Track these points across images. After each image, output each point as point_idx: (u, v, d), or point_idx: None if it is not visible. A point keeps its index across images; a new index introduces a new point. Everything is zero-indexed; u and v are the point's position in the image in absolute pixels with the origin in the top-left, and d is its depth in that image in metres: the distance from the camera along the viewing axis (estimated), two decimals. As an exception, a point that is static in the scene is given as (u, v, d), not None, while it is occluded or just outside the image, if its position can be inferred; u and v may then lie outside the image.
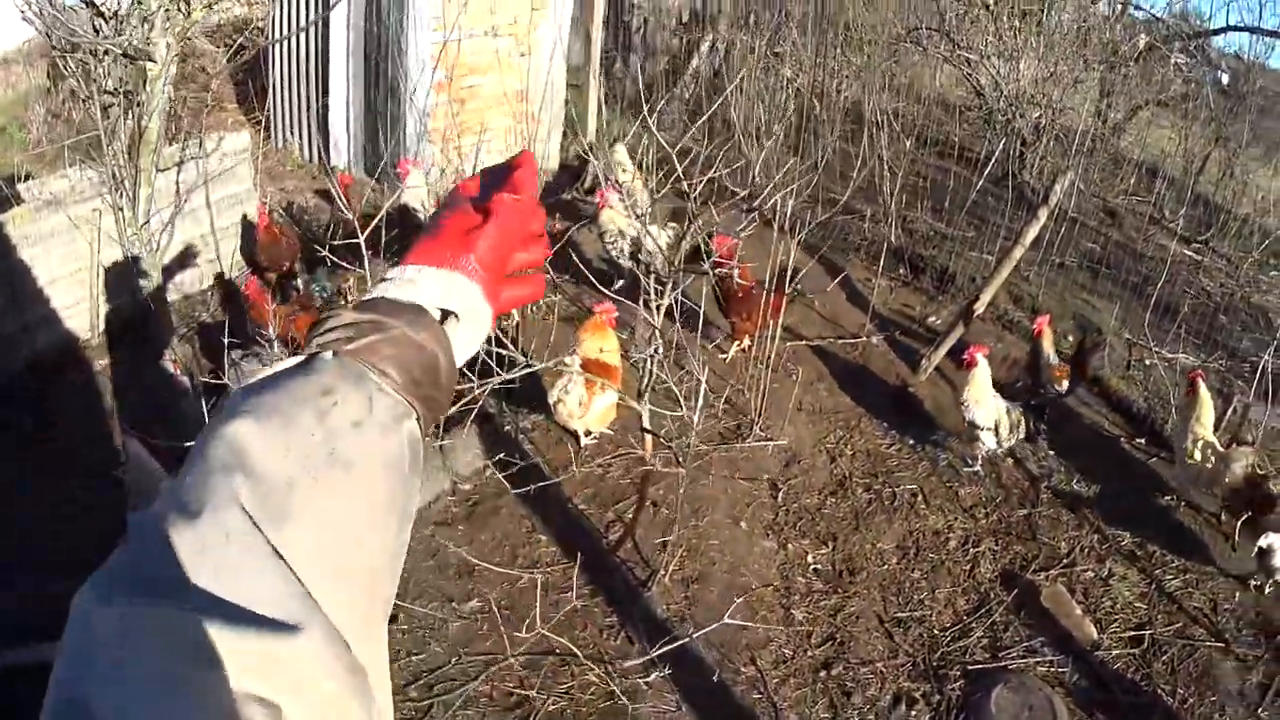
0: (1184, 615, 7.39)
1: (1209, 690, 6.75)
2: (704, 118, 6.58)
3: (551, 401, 7.74)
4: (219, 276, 10.22)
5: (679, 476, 7.08)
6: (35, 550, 6.70)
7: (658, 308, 5.92)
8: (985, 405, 8.49)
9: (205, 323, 9.68)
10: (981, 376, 8.54)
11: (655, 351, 5.98)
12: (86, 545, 6.68)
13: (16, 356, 8.75)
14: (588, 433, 8.28)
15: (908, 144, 13.33)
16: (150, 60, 5.72)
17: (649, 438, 6.50)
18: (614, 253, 10.27)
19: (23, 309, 8.73)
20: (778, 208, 6.19)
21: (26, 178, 9.29)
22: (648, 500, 7.04)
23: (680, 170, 5.92)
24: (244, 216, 10.69)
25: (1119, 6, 16.73)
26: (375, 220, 6.33)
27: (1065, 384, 9.35)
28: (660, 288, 5.92)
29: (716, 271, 8.50)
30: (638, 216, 9.10)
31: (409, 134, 12.20)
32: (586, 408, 7.74)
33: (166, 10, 5.67)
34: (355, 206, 10.27)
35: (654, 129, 5.92)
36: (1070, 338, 10.92)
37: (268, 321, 8.32)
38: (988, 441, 8.57)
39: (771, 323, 8.70)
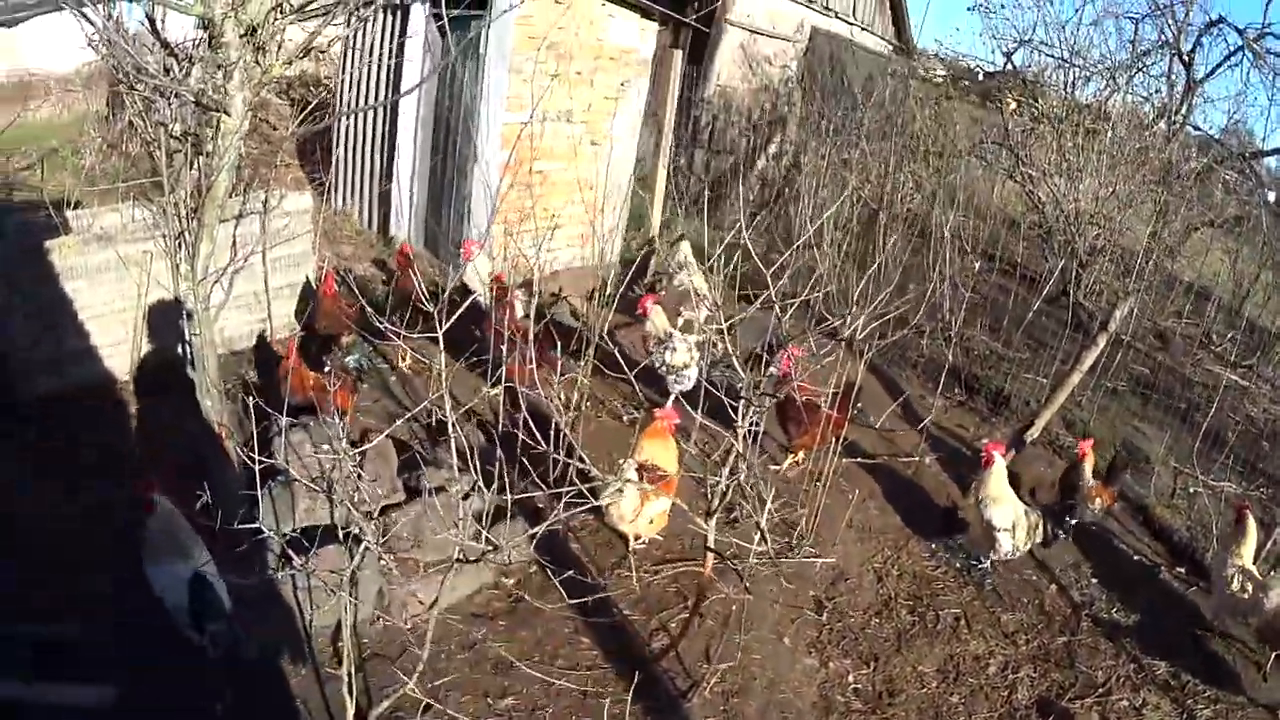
0: (1215, 748, 7.35)
1: (1239, 821, 6.75)
2: (768, 218, 6.65)
3: (604, 504, 7.67)
4: (261, 336, 10.31)
5: (740, 599, 7.14)
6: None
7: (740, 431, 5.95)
8: (1003, 505, 8.56)
9: (249, 381, 9.70)
10: (998, 475, 8.60)
11: (734, 474, 6.02)
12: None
13: (43, 383, 8.72)
14: (637, 537, 8.26)
15: (975, 265, 13.38)
16: (225, 113, 5.68)
17: (710, 555, 6.50)
18: (655, 360, 10.30)
19: (60, 340, 8.73)
20: (850, 326, 6.23)
21: (76, 205, 9.32)
22: (697, 611, 7.01)
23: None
24: (307, 279, 10.75)
25: (1176, 127, 16.79)
26: (444, 294, 6.28)
27: (1098, 504, 9.36)
28: (744, 407, 5.93)
29: (778, 390, 8.53)
30: (680, 327, 9.24)
31: (474, 212, 12.24)
32: (638, 513, 7.71)
33: (245, 62, 5.62)
34: (413, 278, 10.38)
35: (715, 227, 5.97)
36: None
37: (303, 391, 8.39)
38: (1004, 543, 8.63)
39: (832, 440, 8.75)
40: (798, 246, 6.46)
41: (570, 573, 6.57)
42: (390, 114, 12.64)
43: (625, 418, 10.28)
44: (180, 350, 9.05)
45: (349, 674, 5.80)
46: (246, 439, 6.61)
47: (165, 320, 9.28)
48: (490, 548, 6.05)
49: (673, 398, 9.93)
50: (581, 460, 6.08)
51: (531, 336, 6.85)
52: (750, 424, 5.97)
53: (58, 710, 5.87)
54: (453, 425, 5.58)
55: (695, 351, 10.16)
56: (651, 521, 8.05)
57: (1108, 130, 15.60)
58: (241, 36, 5.54)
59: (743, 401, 5.88)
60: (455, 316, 5.71)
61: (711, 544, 6.33)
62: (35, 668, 6.05)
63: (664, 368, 10.22)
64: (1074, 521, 9.42)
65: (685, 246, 12.60)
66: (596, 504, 5.94)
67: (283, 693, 6.33)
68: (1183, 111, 17.23)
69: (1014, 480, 9.01)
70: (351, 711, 5.80)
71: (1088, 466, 9.32)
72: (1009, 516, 8.56)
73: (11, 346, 8.58)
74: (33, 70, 15.61)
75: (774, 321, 7.04)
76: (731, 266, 6.53)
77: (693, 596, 7.67)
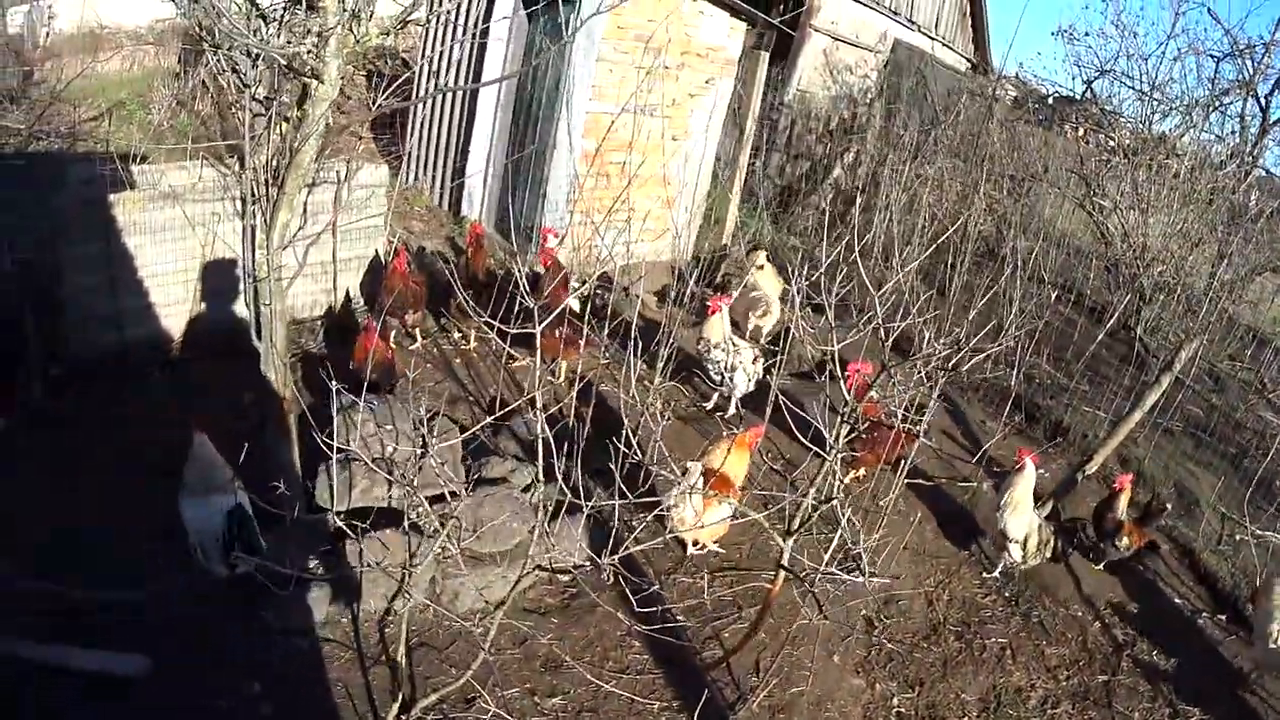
0: (1239, 800, 7.33)
1: None
2: (840, 229, 6.59)
3: (666, 507, 7.64)
4: (330, 310, 10.28)
5: (795, 614, 7.14)
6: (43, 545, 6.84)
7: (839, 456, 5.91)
8: (1020, 515, 8.58)
9: (311, 352, 9.74)
10: (1026, 482, 8.61)
11: (822, 495, 5.98)
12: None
13: (105, 340, 8.77)
14: (696, 543, 8.28)
15: (1052, 293, 13.34)
16: (319, 80, 5.60)
17: (782, 573, 6.46)
18: (709, 365, 10.32)
19: (119, 295, 8.74)
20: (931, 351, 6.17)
21: (142, 159, 9.26)
22: (758, 629, 6.96)
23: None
24: (376, 253, 10.74)
25: (1248, 168, 16.69)
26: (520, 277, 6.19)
27: (1127, 541, 9.31)
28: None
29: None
30: (743, 338, 9.23)
31: (550, 198, 12.25)
32: (699, 520, 7.67)
33: (341, 30, 5.53)
34: (484, 262, 10.32)
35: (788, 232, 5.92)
36: (1169, 505, 10.86)
37: (374, 365, 8.23)
38: (1014, 554, 8.69)
39: (895, 458, 8.73)
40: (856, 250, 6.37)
41: (627, 573, 6.55)
42: (471, 93, 12.59)
43: (689, 418, 10.30)
44: (242, 316, 9.05)
45: (402, 661, 5.78)
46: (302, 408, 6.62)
47: (228, 284, 9.27)
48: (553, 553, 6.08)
49: (733, 403, 10.02)
50: (656, 461, 6.08)
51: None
52: (842, 444, 5.91)
53: (95, 677, 5.88)
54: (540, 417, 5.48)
55: (747, 361, 10.21)
56: (712, 531, 8.03)
57: (1181, 166, 15.51)
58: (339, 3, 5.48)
59: (839, 420, 5.82)
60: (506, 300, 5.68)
61: (786, 561, 6.27)
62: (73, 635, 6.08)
63: (714, 371, 10.30)
64: (1105, 555, 9.45)
65: (762, 255, 12.58)
66: (660, 509, 5.87)
67: (323, 675, 6.33)
68: (1254, 153, 17.13)
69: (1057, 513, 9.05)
70: (400, 701, 5.78)
71: (1123, 500, 9.28)
72: (1023, 528, 8.60)
73: (71, 299, 8.59)
74: (104, 22, 15.65)
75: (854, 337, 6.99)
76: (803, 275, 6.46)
77: (748, 607, 7.67)
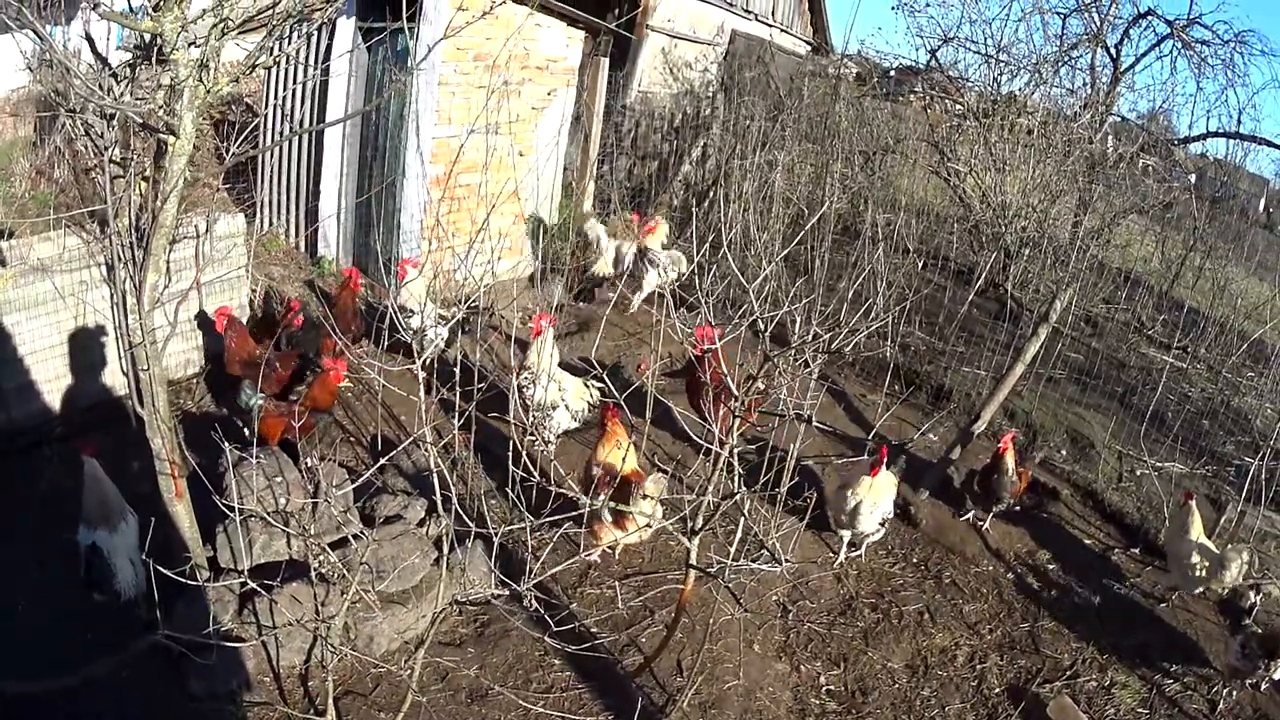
0: (1184, 718, 7.52)
1: (1211, 789, 6.81)
2: (693, 224, 6.61)
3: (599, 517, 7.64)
4: (203, 368, 10.17)
5: (707, 609, 7.16)
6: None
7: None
8: (877, 512, 8.63)
9: (191, 412, 9.60)
10: (881, 484, 8.60)
11: (719, 495, 5.99)
12: None
13: None
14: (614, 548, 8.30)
15: (918, 262, 13.49)
16: (174, 134, 5.51)
17: (692, 572, 6.46)
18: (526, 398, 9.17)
19: (0, 376, 8.57)
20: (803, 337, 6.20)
21: (9, 235, 9.17)
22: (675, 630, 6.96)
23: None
24: (244, 304, 10.66)
25: (1101, 118, 17.01)
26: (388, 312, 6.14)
27: (1015, 490, 9.41)
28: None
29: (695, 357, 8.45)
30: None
31: (404, 229, 12.22)
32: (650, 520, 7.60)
33: (191, 81, 5.44)
34: (352, 306, 10.20)
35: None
36: (1063, 452, 11.05)
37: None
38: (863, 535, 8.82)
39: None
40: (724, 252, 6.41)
41: (538, 593, 6.53)
42: (317, 132, 12.49)
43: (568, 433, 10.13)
44: (121, 384, 8.93)
45: (331, 714, 5.73)
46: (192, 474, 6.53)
47: (104, 353, 9.14)
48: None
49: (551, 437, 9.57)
50: (559, 484, 6.06)
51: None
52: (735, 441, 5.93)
53: None
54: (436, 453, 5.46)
55: (571, 395, 9.55)
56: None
57: (1034, 123, 15.78)
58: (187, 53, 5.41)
59: (734, 421, 5.86)
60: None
61: (694, 559, 6.28)
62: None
63: (531, 404, 9.11)
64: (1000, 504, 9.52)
65: (594, 222, 13.17)
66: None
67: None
68: (1108, 102, 17.45)
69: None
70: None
71: (1009, 460, 9.31)
72: (875, 521, 8.70)
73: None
74: (-45, 98, 15.39)
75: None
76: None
77: (660, 609, 7.68)
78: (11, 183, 12.74)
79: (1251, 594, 7.71)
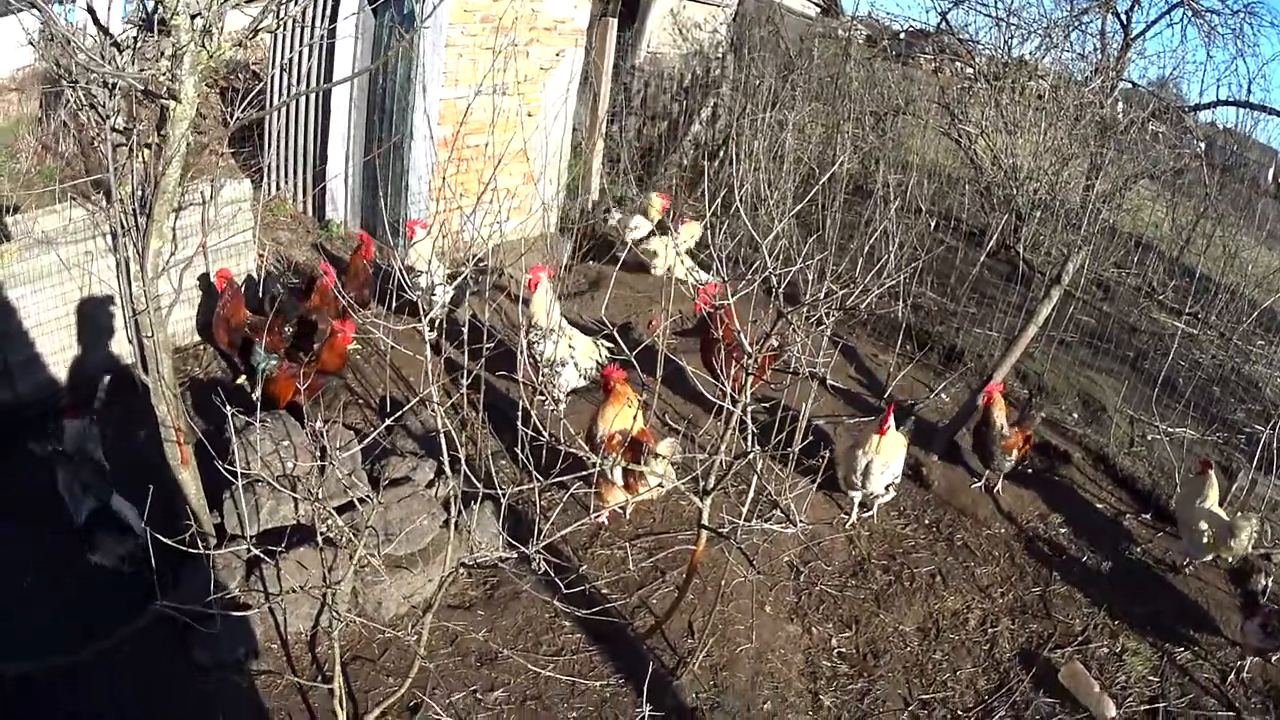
0: (1196, 686, 7.45)
1: (1223, 762, 6.75)
2: (704, 184, 6.53)
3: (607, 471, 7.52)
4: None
5: (739, 578, 7.12)
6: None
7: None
8: (889, 472, 8.56)
9: (198, 379, 9.52)
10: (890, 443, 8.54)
11: (733, 454, 5.93)
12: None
13: None
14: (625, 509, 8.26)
15: (930, 223, 13.41)
16: (176, 100, 5.46)
17: (704, 533, 6.42)
18: (534, 354, 9.12)
19: (6, 351, 8.46)
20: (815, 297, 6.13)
21: (15, 210, 9.09)
22: (686, 592, 6.93)
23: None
24: (250, 271, 10.53)
25: (1111, 83, 16.91)
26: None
27: (1014, 456, 9.30)
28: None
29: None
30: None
31: (412, 191, 12.19)
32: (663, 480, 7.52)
33: (194, 46, 5.40)
34: (365, 272, 10.14)
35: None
36: (1075, 415, 11.00)
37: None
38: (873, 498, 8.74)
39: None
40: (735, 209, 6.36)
41: (548, 555, 6.47)
42: (324, 96, 12.39)
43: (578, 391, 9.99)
44: (126, 353, 8.89)
45: (338, 679, 5.67)
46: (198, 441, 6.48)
47: (109, 323, 9.07)
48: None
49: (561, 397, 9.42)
50: (568, 444, 6.02)
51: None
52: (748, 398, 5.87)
53: None
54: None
55: (581, 352, 9.45)
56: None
57: (1045, 86, 15.70)
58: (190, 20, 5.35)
59: (745, 374, 5.78)
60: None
61: (706, 519, 6.24)
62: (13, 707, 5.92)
63: (540, 360, 9.06)
64: (998, 470, 9.44)
65: (638, 219, 12.96)
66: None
67: (264, 708, 6.18)
68: (1118, 68, 17.35)
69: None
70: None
71: (997, 411, 9.25)
72: (886, 480, 8.59)
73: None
74: (-39, 78, 15.33)
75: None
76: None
77: (671, 571, 7.63)
78: (17, 158, 12.67)
79: (1263, 577, 7.62)
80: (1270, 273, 14.97)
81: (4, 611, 6.50)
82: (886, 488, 8.61)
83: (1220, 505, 8.54)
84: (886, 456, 8.40)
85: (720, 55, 17.71)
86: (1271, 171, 20.37)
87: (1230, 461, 10.33)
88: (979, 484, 9.58)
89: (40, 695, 5.97)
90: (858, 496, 8.72)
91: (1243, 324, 13.22)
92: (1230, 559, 8.49)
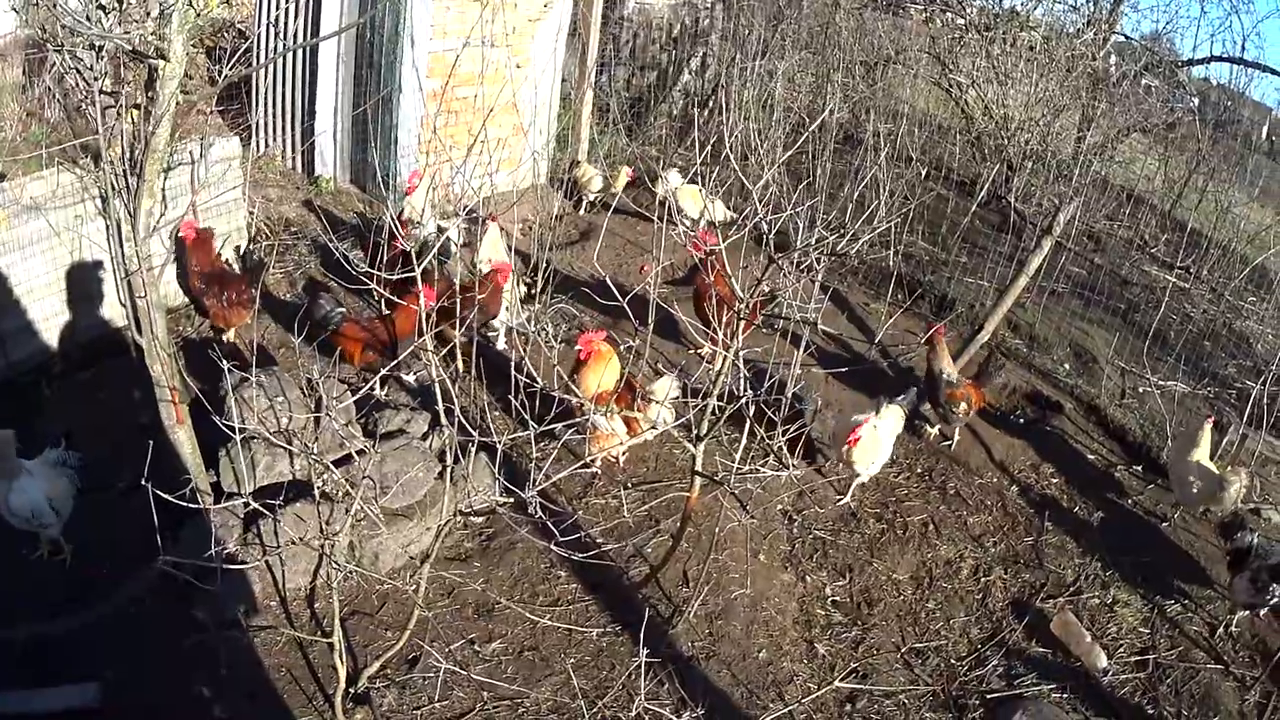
0: (1185, 639, 7.50)
1: (1211, 712, 6.84)
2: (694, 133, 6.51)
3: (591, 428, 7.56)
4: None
5: (734, 526, 7.16)
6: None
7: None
8: (880, 457, 8.53)
9: (191, 338, 9.51)
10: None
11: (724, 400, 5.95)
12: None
13: None
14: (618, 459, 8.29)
15: (921, 172, 13.41)
16: (165, 59, 5.44)
17: (698, 480, 6.45)
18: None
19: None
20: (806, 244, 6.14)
21: (2, 178, 8.93)
22: (681, 540, 6.94)
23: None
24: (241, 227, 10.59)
25: (1104, 37, 16.86)
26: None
27: (961, 409, 9.18)
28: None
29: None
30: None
31: (401, 144, 12.16)
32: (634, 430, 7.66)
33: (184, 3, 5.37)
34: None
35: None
36: (1067, 365, 11.03)
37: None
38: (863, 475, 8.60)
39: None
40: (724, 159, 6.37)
41: (540, 501, 6.49)
42: (311, 52, 12.33)
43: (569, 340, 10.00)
44: (119, 315, 8.87)
45: (338, 633, 5.69)
46: (194, 400, 6.48)
47: (100, 285, 9.05)
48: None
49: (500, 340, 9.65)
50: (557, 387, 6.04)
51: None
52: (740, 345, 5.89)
53: (59, 716, 5.71)
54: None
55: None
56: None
57: (1036, 38, 15.68)
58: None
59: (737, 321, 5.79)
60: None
61: (699, 466, 6.26)
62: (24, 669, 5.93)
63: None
64: (949, 421, 9.42)
65: (674, 174, 12.85)
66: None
67: (264, 664, 6.21)
68: (1110, 21, 17.28)
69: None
70: (343, 676, 5.70)
71: (941, 350, 9.22)
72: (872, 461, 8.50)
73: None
74: (-58, 48, 15.24)
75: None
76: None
77: (665, 519, 7.65)
78: (2, 127, 12.61)
79: (1248, 535, 7.62)
80: (1262, 229, 14.96)
81: (11, 577, 6.56)
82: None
83: (1211, 459, 8.58)
84: (875, 454, 8.40)
85: (709, 4, 17.63)
86: (1265, 128, 20.33)
87: (1221, 416, 10.36)
88: (950, 443, 9.53)
89: (50, 657, 6.01)
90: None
91: (1234, 280, 13.22)
92: (1220, 513, 8.50)
